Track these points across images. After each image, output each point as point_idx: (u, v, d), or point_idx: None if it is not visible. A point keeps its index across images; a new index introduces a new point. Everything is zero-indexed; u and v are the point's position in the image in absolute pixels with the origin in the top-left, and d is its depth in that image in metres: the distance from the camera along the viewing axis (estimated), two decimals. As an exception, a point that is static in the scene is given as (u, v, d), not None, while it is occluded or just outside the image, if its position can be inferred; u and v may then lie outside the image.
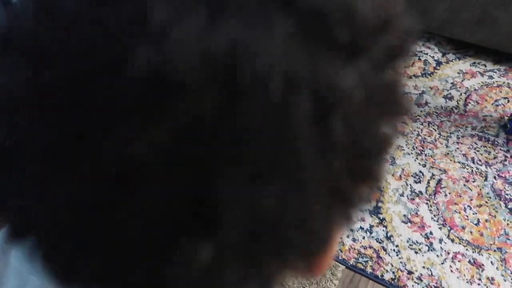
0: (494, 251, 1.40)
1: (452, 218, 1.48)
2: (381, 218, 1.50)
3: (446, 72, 1.99)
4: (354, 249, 1.42)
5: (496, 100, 1.85)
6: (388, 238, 1.45)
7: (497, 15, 1.83)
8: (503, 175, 1.59)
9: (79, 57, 0.17)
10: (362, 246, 1.43)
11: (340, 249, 1.42)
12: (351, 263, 1.39)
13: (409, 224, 1.48)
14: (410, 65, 2.02)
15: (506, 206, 1.50)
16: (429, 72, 1.99)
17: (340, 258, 1.40)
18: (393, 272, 1.36)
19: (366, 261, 1.39)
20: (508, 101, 1.84)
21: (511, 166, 1.61)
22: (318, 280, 1.33)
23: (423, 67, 2.02)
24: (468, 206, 1.51)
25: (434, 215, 1.49)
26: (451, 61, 2.04)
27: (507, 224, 1.46)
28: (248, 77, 0.17)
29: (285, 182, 0.19)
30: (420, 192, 1.56)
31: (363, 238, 1.45)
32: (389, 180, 1.60)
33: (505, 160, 1.63)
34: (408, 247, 1.42)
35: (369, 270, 1.37)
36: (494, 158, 1.64)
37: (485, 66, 2.00)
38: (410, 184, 1.58)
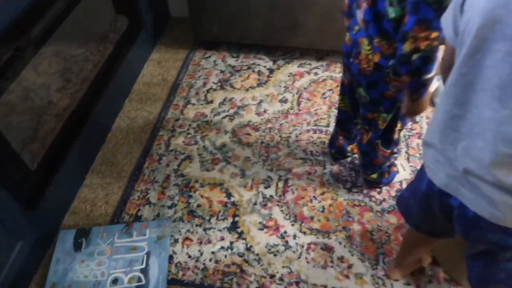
0: (340, 231, 1.53)
1: (302, 212, 1.59)
2: (239, 232, 1.55)
3: (279, 77, 2.15)
4: (218, 270, 1.44)
5: (323, 94, 2.04)
6: (248, 249, 1.50)
7: (303, 20, 2.04)
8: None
9: None
10: (225, 265, 1.46)
11: (204, 275, 1.43)
12: (217, 286, 1.40)
13: (265, 229, 1.55)
14: (246, 78, 2.15)
15: (344, 187, 1.66)
16: (263, 81, 2.13)
17: (206, 284, 1.41)
18: (257, 281, 1.41)
19: (231, 279, 1.42)
20: (333, 92, 2.05)
21: (343, 150, 1.79)
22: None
23: (258, 78, 2.16)
24: (314, 196, 1.64)
25: (286, 214, 1.59)
26: (282, 66, 2.21)
27: (347, 203, 1.61)
28: None
29: None
30: (271, 196, 1.65)
31: (225, 257, 1.48)
32: (242, 193, 1.66)
33: (338, 145, 1.81)
34: (268, 252, 1.49)
35: (234, 287, 1.40)
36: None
37: (310, 64, 2.21)
38: (261, 191, 1.67)
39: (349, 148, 1.70)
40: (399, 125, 1.39)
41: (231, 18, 2.12)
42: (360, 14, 1.15)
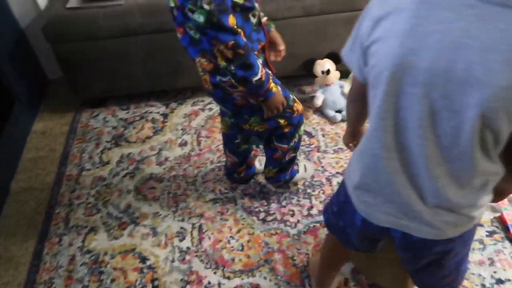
0: (263, 265, 1.51)
1: (222, 256, 1.54)
2: (161, 296, 1.45)
3: (174, 121, 2.11)
4: None
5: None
6: (174, 312, 1.41)
7: (185, 60, 2.02)
8: (247, 192, 1.75)
9: None
10: (152, 337, 1.35)
11: None
12: None
13: (188, 286, 1.47)
14: (141, 129, 2.07)
15: (258, 219, 1.65)
16: (159, 128, 2.07)
17: None
18: None
19: None
20: (230, 124, 2.05)
21: (251, 181, 1.78)
22: None
23: (152, 126, 2.09)
24: (231, 236, 1.60)
25: (206, 263, 1.53)
26: (175, 109, 2.17)
27: (264, 234, 1.60)
28: None
29: None
30: (188, 247, 1.58)
31: (151, 328, 1.37)
32: (157, 253, 1.57)
33: (244, 177, 1.81)
34: (194, 309, 1.41)
35: None
36: (236, 180, 1.80)
37: (203, 101, 2.20)
38: (177, 246, 1.59)
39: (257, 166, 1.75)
40: (282, 121, 1.42)
41: (111, 72, 2.04)
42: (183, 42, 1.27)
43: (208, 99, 2.20)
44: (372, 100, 0.78)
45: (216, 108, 2.14)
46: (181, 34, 1.25)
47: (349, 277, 1.44)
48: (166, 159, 1.92)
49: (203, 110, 2.15)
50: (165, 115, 2.14)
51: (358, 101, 0.95)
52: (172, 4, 1.20)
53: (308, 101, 2.13)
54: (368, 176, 0.86)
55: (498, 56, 0.61)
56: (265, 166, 1.65)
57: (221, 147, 1.94)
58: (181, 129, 2.06)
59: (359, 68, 0.83)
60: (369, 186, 0.87)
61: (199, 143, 1.98)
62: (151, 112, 2.17)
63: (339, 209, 1.07)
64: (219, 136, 2.00)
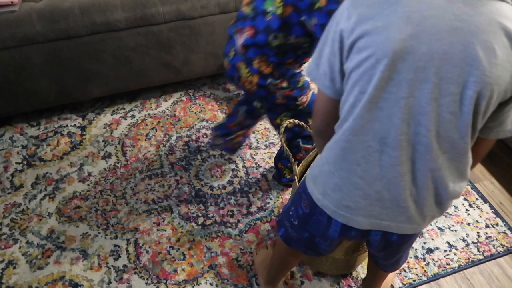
0: (207, 271, 1.46)
1: (163, 269, 1.46)
2: (100, 323, 1.33)
3: (94, 132, 1.95)
4: None
5: (146, 135, 1.94)
6: (117, 338, 1.30)
7: (95, 68, 1.88)
8: (182, 198, 1.68)
9: None
10: None
11: None
12: None
13: (129, 306, 1.37)
14: (56, 145, 1.89)
15: (197, 224, 1.59)
16: (78, 142, 1.91)
17: None
18: None
19: None
20: (157, 130, 1.96)
21: (185, 186, 1.72)
22: None
23: (70, 140, 1.92)
24: (170, 247, 1.53)
25: (147, 279, 1.44)
26: (93, 120, 2.02)
27: (206, 239, 1.55)
28: None
29: None
30: (125, 265, 1.47)
31: None
32: (90, 276, 1.44)
33: (178, 184, 1.73)
34: (140, 330, 1.32)
35: None
36: (169, 187, 1.72)
37: (124, 108, 2.07)
38: (112, 265, 1.47)
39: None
40: (311, 120, 1.43)
41: (12, 87, 1.82)
42: (240, 40, 1.31)
43: (128, 106, 2.08)
44: (359, 95, 0.75)
45: (139, 114, 2.03)
46: (249, 36, 1.29)
47: (295, 269, 1.45)
48: (90, 174, 1.77)
49: (124, 118, 2.02)
50: (82, 128, 1.98)
51: (329, 128, 0.88)
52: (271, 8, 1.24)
53: (234, 99, 2.11)
54: (354, 173, 0.81)
55: (488, 37, 0.67)
56: (286, 166, 1.64)
57: (148, 155, 1.85)
58: (103, 141, 1.91)
59: (331, 79, 0.80)
60: (353, 185, 0.82)
61: (124, 154, 1.86)
62: (66, 126, 1.98)
63: (301, 222, 1.00)
64: (145, 144, 1.89)
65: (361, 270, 1.45)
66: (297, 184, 1.26)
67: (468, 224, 1.60)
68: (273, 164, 1.79)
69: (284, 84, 1.34)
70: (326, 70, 0.80)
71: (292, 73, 1.35)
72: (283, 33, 1.24)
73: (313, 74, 0.84)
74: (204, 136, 1.92)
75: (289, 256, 1.20)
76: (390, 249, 0.96)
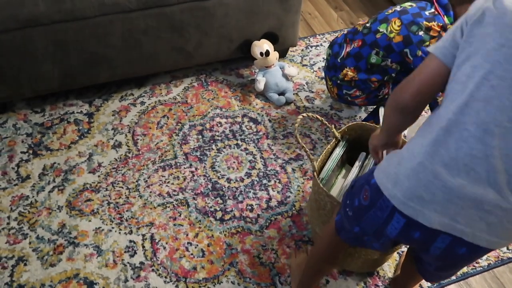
0: (228, 269, 1.40)
1: (182, 266, 1.40)
2: (119, 324, 1.28)
3: (102, 120, 1.86)
4: None
5: (158, 123, 1.84)
6: None
7: (103, 52, 1.77)
8: (198, 191, 1.61)
9: None
10: None
11: None
12: None
13: (148, 306, 1.32)
14: (63, 133, 1.79)
15: (216, 219, 1.53)
16: (86, 131, 1.81)
17: None
18: None
19: None
20: (168, 118, 1.87)
21: (201, 178, 1.64)
22: None
23: (77, 128, 1.82)
24: (188, 243, 1.46)
25: (165, 277, 1.38)
26: (101, 106, 1.92)
27: (225, 235, 1.48)
28: None
29: None
30: (142, 262, 1.41)
31: None
32: (106, 274, 1.38)
33: (193, 176, 1.66)
34: (160, 331, 1.27)
35: None
36: (184, 179, 1.64)
37: (133, 94, 1.97)
38: (128, 262, 1.41)
39: None
40: None
41: (14, 72, 1.71)
42: (347, 49, 1.59)
43: (137, 92, 1.98)
44: (473, 68, 0.71)
45: (148, 101, 1.93)
46: (356, 46, 1.55)
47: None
48: (100, 165, 1.69)
49: (134, 104, 1.92)
50: (90, 115, 1.88)
51: (418, 110, 0.83)
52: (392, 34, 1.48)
53: (248, 86, 2.01)
54: (438, 159, 0.74)
55: None
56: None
57: (161, 144, 1.76)
58: (112, 129, 1.82)
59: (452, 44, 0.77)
60: (433, 173, 0.75)
61: (135, 143, 1.77)
62: (72, 113, 1.88)
63: (356, 214, 0.92)
64: (157, 133, 1.81)
65: (388, 269, 1.40)
66: (317, 180, 1.21)
67: (496, 220, 1.55)
68: (292, 156, 1.72)
69: (358, 93, 1.61)
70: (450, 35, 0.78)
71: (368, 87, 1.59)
72: (385, 52, 1.48)
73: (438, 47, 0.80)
74: (219, 125, 1.83)
75: (324, 263, 1.14)
76: (451, 261, 0.88)
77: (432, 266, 0.93)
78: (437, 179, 0.74)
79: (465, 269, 1.40)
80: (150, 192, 1.60)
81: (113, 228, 1.50)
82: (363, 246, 0.99)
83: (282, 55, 2.13)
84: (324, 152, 1.33)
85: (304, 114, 1.30)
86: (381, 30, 1.49)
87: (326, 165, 1.32)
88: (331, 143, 1.35)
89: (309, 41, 2.28)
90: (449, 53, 0.77)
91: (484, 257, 1.43)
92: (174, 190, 1.61)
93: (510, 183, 0.71)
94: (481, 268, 1.41)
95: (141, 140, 1.78)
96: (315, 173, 1.24)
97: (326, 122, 1.37)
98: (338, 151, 1.34)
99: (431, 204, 0.76)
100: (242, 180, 1.64)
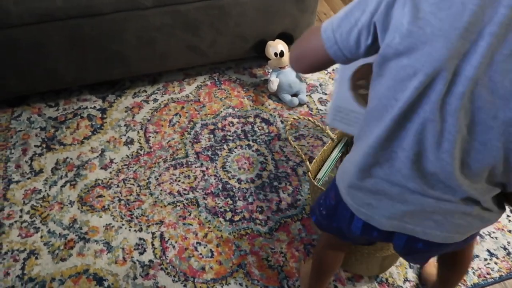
0: (237, 271, 1.40)
1: (190, 266, 1.41)
2: (127, 321, 1.29)
3: (115, 116, 1.87)
4: None
5: (170, 121, 1.85)
6: (144, 337, 1.26)
7: (117, 49, 1.77)
8: (209, 191, 1.61)
9: None
10: None
11: None
12: None
13: (156, 305, 1.33)
14: (76, 128, 1.81)
15: (225, 219, 1.53)
16: (98, 126, 1.82)
17: None
18: None
19: None
20: (180, 116, 1.87)
21: (211, 178, 1.64)
22: None
23: (90, 124, 1.83)
24: (197, 243, 1.47)
25: (174, 276, 1.39)
26: (114, 102, 1.92)
27: (234, 236, 1.49)
28: None
29: None
30: (151, 260, 1.42)
31: None
32: (115, 271, 1.39)
33: (204, 175, 1.66)
34: (168, 330, 1.28)
35: None
36: (195, 179, 1.64)
37: (146, 91, 1.98)
38: (137, 260, 1.42)
39: None
40: None
41: (29, 66, 1.72)
42: None
43: (150, 89, 1.98)
44: (405, 90, 0.69)
45: (161, 98, 1.94)
46: None
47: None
48: (112, 161, 1.70)
49: (146, 101, 1.93)
50: (103, 110, 1.89)
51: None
52: None
53: (261, 86, 2.00)
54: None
55: None
56: None
57: (172, 142, 1.76)
58: (125, 125, 1.83)
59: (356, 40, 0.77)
60: (377, 174, 0.76)
61: (147, 140, 1.78)
62: (85, 108, 1.90)
63: (328, 213, 0.97)
64: (169, 131, 1.81)
65: (397, 277, 1.39)
66: (312, 180, 1.22)
67: (509, 231, 1.52)
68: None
69: None
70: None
71: None
72: None
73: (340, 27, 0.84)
74: (231, 125, 1.83)
75: (327, 258, 1.15)
76: (416, 256, 0.91)
77: (408, 259, 1.00)
78: (378, 190, 0.78)
79: (475, 280, 1.39)
80: (161, 190, 1.61)
81: (123, 225, 1.51)
82: (346, 238, 1.01)
83: (296, 55, 2.12)
84: (320, 153, 1.36)
85: (295, 116, 1.33)
86: None
87: (323, 166, 1.34)
88: (327, 145, 1.38)
89: (324, 41, 2.26)
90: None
91: (496, 268, 1.42)
92: (185, 189, 1.61)
93: (444, 188, 0.73)
94: (492, 280, 1.39)
95: (153, 137, 1.79)
96: (309, 173, 1.26)
97: (320, 124, 1.38)
98: (336, 153, 1.37)
99: (379, 210, 0.80)
100: (253, 181, 1.64)
